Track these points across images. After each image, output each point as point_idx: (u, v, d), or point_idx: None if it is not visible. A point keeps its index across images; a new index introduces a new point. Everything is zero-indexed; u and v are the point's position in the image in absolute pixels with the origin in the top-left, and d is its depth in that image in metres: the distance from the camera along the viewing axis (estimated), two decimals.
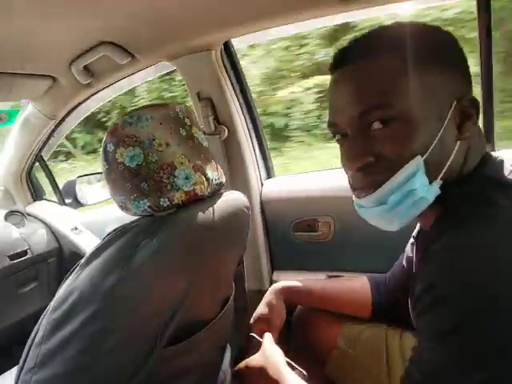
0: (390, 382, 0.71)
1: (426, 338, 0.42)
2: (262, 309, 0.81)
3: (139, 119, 0.57)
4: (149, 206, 0.57)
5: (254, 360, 0.68)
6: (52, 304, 0.57)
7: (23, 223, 1.40)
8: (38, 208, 1.52)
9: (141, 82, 1.28)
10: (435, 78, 0.46)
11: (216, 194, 0.66)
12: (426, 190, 0.47)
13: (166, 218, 0.57)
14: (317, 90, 3.09)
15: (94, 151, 4.75)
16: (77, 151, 4.89)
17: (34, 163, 1.49)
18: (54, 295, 0.59)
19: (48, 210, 1.52)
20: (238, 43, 1.10)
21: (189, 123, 0.62)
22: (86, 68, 1.03)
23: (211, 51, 1.01)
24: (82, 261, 0.58)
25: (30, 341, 0.58)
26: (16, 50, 0.89)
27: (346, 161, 0.50)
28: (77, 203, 1.47)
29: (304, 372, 0.66)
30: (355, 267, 1.07)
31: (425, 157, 0.46)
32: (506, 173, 0.48)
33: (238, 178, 1.15)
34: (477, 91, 0.88)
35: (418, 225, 0.62)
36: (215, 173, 0.64)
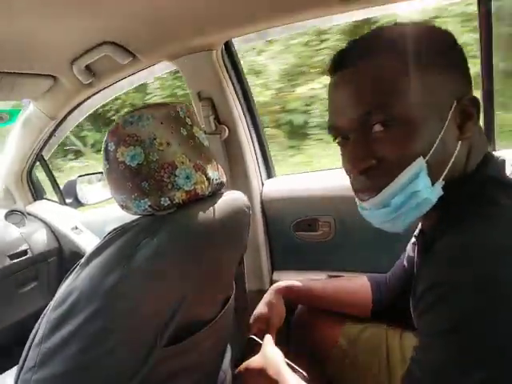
0: (391, 381, 0.71)
1: (426, 337, 0.42)
2: (261, 308, 0.81)
3: (140, 118, 0.57)
4: (149, 206, 0.57)
5: (254, 362, 0.68)
6: (52, 303, 0.57)
7: (23, 223, 1.40)
8: (38, 207, 1.52)
9: (141, 82, 1.28)
10: (435, 78, 0.46)
11: (216, 193, 0.66)
12: (429, 191, 0.47)
13: (166, 217, 0.57)
14: None
15: None
16: (87, 149, 4.86)
17: (34, 163, 1.49)
18: (54, 295, 0.59)
19: (48, 209, 1.52)
20: (239, 44, 1.10)
21: (190, 123, 0.62)
22: (87, 68, 1.04)
23: (212, 51, 1.01)
24: (82, 260, 0.58)
25: (30, 340, 0.58)
26: (17, 50, 0.89)
27: (348, 164, 0.50)
28: (77, 203, 1.47)
29: (304, 373, 0.66)
30: (355, 267, 1.07)
31: (427, 158, 0.46)
32: (507, 172, 0.48)
33: (238, 178, 1.15)
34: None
35: (420, 224, 0.62)
36: (216, 172, 0.64)
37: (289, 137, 3.19)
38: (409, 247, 0.75)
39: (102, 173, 1.34)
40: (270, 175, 1.26)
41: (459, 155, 0.48)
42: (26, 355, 0.58)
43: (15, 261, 1.26)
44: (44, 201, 1.59)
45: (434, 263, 0.43)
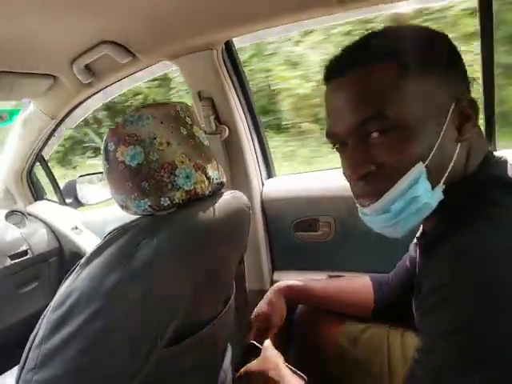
0: (391, 381, 0.71)
1: (428, 338, 0.42)
2: (262, 306, 0.81)
3: (140, 118, 0.57)
4: (149, 206, 0.57)
5: (255, 365, 0.69)
6: (52, 304, 0.57)
7: (24, 223, 1.40)
8: (38, 208, 1.52)
9: (142, 82, 1.28)
10: (432, 81, 0.46)
11: (217, 193, 0.65)
12: (430, 196, 0.47)
13: (166, 217, 0.57)
14: None
15: None
16: None
17: (34, 163, 1.49)
18: (54, 295, 0.59)
19: (48, 209, 1.52)
20: (238, 43, 1.10)
21: (190, 122, 0.62)
22: (87, 67, 1.04)
23: (212, 50, 1.01)
24: (82, 260, 0.57)
25: (30, 341, 0.58)
26: (17, 50, 0.89)
27: (347, 170, 0.50)
28: (77, 203, 1.47)
29: (305, 376, 0.66)
30: (356, 267, 1.07)
31: (426, 162, 0.45)
32: (509, 173, 0.48)
33: (238, 178, 1.15)
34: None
35: (422, 226, 0.62)
36: (216, 172, 0.64)
37: None
38: (411, 247, 0.75)
39: (102, 173, 1.34)
40: (270, 175, 1.26)
41: (459, 157, 0.47)
42: (27, 356, 0.57)
43: (16, 261, 1.26)
44: (44, 201, 1.59)
45: (436, 265, 0.43)
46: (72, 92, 1.17)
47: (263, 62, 3.34)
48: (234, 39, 1.04)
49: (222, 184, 0.66)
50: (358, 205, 0.53)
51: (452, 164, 0.47)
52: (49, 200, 1.60)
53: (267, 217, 1.20)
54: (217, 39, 0.98)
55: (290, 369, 0.66)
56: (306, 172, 1.29)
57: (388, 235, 0.52)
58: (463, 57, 0.50)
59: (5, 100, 1.22)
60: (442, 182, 0.47)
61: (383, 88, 0.46)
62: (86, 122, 4.55)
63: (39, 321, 0.59)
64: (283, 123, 3.25)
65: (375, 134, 0.47)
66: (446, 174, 0.47)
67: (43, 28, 0.81)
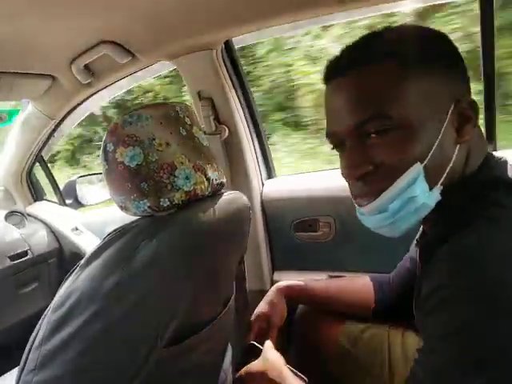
0: (392, 381, 0.71)
1: (429, 339, 0.42)
2: (262, 307, 0.81)
3: (139, 119, 0.57)
4: (149, 207, 0.56)
5: (255, 366, 0.68)
6: (52, 305, 0.57)
7: (23, 224, 1.40)
8: (38, 208, 1.52)
9: (141, 81, 1.28)
10: (432, 82, 0.46)
11: (216, 194, 0.65)
12: (427, 196, 0.47)
13: (166, 218, 0.57)
14: None
15: None
16: None
17: (34, 163, 1.49)
18: (54, 296, 0.59)
19: (48, 210, 1.51)
20: (237, 41, 1.10)
21: (189, 123, 0.62)
22: (86, 67, 1.03)
23: (212, 50, 1.00)
24: (82, 261, 0.57)
25: (30, 342, 0.58)
26: (16, 50, 0.89)
27: (346, 170, 0.50)
28: (77, 203, 1.46)
29: (305, 378, 0.65)
30: (356, 267, 1.07)
31: (424, 163, 0.45)
32: (509, 173, 0.48)
33: (238, 178, 1.15)
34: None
35: (422, 227, 0.61)
36: (216, 173, 0.64)
37: None
38: (412, 248, 0.75)
39: (102, 173, 1.33)
40: (270, 175, 1.25)
41: (458, 159, 0.47)
42: (27, 357, 0.57)
43: (15, 262, 1.26)
44: (44, 202, 1.59)
45: (438, 266, 0.43)
46: (71, 92, 1.17)
47: (283, 56, 3.25)
48: (233, 39, 1.04)
49: (221, 184, 0.66)
50: (355, 205, 0.53)
51: (451, 165, 0.47)
52: (48, 201, 1.60)
53: (267, 217, 1.20)
54: (216, 39, 0.98)
55: (291, 370, 0.66)
56: (307, 172, 1.29)
57: (385, 235, 0.53)
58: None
59: (4, 100, 1.22)
60: (440, 182, 0.47)
61: (383, 88, 0.46)
62: (95, 120, 4.48)
63: (39, 322, 0.59)
64: (302, 120, 3.21)
65: (374, 135, 0.47)
66: (445, 175, 0.47)
67: (42, 28, 0.81)
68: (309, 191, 1.14)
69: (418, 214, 0.48)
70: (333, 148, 0.54)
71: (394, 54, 0.46)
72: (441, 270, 0.42)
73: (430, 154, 0.45)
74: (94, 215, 1.74)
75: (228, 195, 0.66)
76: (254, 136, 1.18)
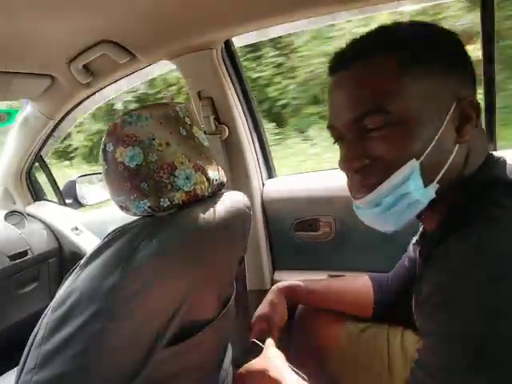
0: (392, 381, 0.71)
1: (430, 339, 0.42)
2: (263, 307, 0.81)
3: (139, 118, 0.57)
4: (149, 207, 0.56)
5: (256, 364, 0.68)
6: (52, 304, 0.57)
7: (23, 223, 1.39)
8: (38, 208, 1.52)
9: (141, 81, 1.28)
10: (433, 80, 0.46)
11: (217, 194, 0.65)
12: (421, 193, 0.47)
13: (166, 218, 0.57)
14: None
15: None
16: None
17: (33, 163, 1.49)
18: (54, 295, 0.59)
19: (48, 210, 1.51)
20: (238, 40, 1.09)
21: (189, 122, 0.61)
22: (85, 67, 1.03)
23: (212, 50, 1.00)
24: (82, 261, 0.57)
25: (30, 341, 0.58)
26: (14, 49, 0.89)
27: (343, 163, 0.51)
28: (77, 203, 1.46)
29: (305, 376, 0.65)
30: (356, 267, 1.07)
31: (420, 160, 0.45)
32: (509, 174, 0.48)
33: (238, 178, 1.15)
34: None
35: (421, 227, 0.62)
36: (216, 173, 0.63)
37: None
38: (410, 248, 0.75)
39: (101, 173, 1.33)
40: (270, 175, 1.25)
41: (456, 158, 0.47)
42: (27, 356, 0.57)
43: (15, 262, 1.25)
44: (44, 201, 1.59)
45: (438, 266, 0.43)
46: (70, 92, 1.16)
47: (324, 45, 3.13)
48: (233, 38, 1.04)
49: (222, 184, 0.66)
50: (352, 198, 0.54)
51: (448, 164, 0.47)
52: (48, 200, 1.60)
53: (267, 217, 1.20)
54: (216, 38, 0.98)
55: (291, 369, 0.66)
56: (307, 172, 1.29)
57: (379, 229, 0.53)
58: None
59: (2, 100, 1.21)
60: (436, 180, 0.47)
61: (383, 82, 0.46)
62: (116, 115, 4.41)
63: (39, 321, 0.59)
64: None
65: (372, 129, 0.47)
66: (441, 174, 0.47)
67: (40, 27, 0.81)
68: (309, 191, 1.14)
69: (412, 210, 0.48)
70: (334, 142, 0.55)
71: (395, 48, 0.46)
72: (441, 270, 0.42)
73: (426, 152, 0.45)
74: (93, 215, 1.74)
75: (228, 195, 0.66)
76: (255, 136, 1.18)
